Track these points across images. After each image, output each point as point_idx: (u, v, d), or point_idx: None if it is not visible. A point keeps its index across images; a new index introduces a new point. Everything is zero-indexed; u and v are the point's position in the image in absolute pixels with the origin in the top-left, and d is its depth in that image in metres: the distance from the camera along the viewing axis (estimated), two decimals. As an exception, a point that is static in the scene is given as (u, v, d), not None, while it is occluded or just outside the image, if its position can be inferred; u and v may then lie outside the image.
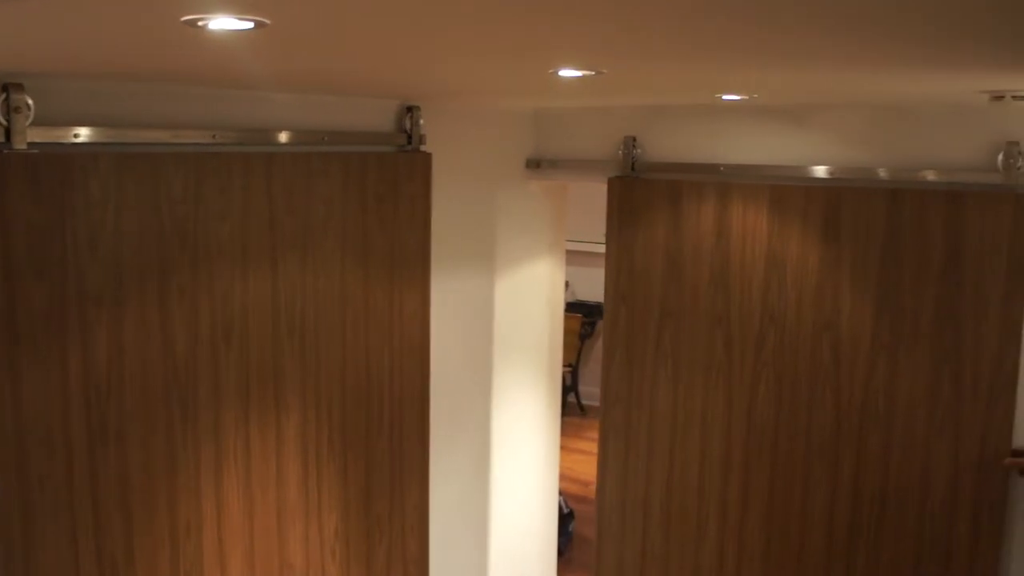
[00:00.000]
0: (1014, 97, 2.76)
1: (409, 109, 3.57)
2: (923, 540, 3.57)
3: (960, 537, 3.49)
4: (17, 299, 2.42)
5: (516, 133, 4.32)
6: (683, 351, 4.02)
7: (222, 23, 1.44)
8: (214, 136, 2.87)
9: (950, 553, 3.52)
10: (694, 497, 4.07)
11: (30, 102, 2.39)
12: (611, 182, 4.10)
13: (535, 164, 4.34)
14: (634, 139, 4.05)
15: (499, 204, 4.24)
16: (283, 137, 3.12)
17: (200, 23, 1.44)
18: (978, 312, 3.36)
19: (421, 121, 3.60)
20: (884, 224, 3.51)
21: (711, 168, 3.88)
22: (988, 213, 3.32)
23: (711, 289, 3.90)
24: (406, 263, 3.59)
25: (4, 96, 2.35)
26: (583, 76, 2.33)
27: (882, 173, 3.52)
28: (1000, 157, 3.30)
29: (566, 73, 2.27)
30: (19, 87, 2.37)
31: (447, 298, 3.96)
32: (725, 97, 3.29)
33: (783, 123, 3.74)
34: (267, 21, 1.44)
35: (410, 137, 3.58)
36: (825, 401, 3.70)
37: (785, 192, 3.68)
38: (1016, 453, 3.38)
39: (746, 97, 3.26)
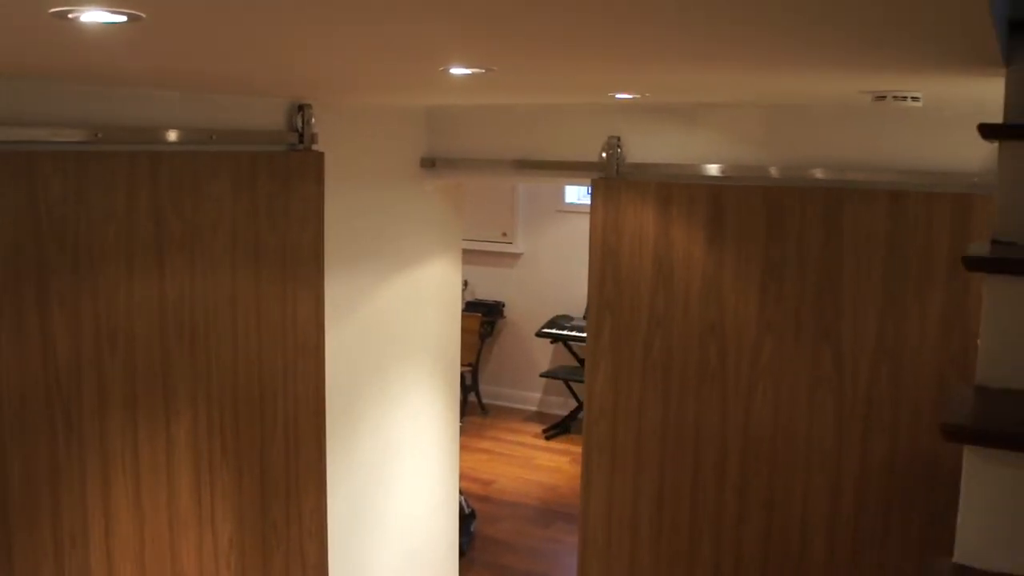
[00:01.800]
0: (895, 97, 2.84)
1: (300, 108, 3.52)
2: (931, 546, 3.45)
3: None
4: None
5: (410, 132, 4.29)
6: (674, 361, 3.86)
7: (93, 16, 1.39)
8: (97, 135, 2.78)
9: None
10: (686, 512, 3.89)
11: None
12: (595, 183, 3.92)
13: (430, 163, 4.32)
14: (618, 139, 3.88)
15: (394, 203, 4.21)
16: (170, 136, 3.04)
17: (71, 15, 1.39)
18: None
19: (313, 120, 3.55)
20: (884, 226, 3.40)
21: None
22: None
23: (704, 296, 3.75)
24: (299, 264, 3.54)
25: None
26: (473, 74, 2.32)
27: (774, 172, 3.58)
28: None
29: (456, 71, 2.26)
30: None
31: (342, 299, 3.91)
32: (618, 96, 3.31)
33: (679, 122, 3.79)
34: (141, 15, 1.40)
35: (302, 136, 3.53)
36: (826, 410, 3.59)
37: (779, 194, 3.55)
38: None
39: (638, 96, 3.29)
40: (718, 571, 3.87)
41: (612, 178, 3.89)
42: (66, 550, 2.80)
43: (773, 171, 3.58)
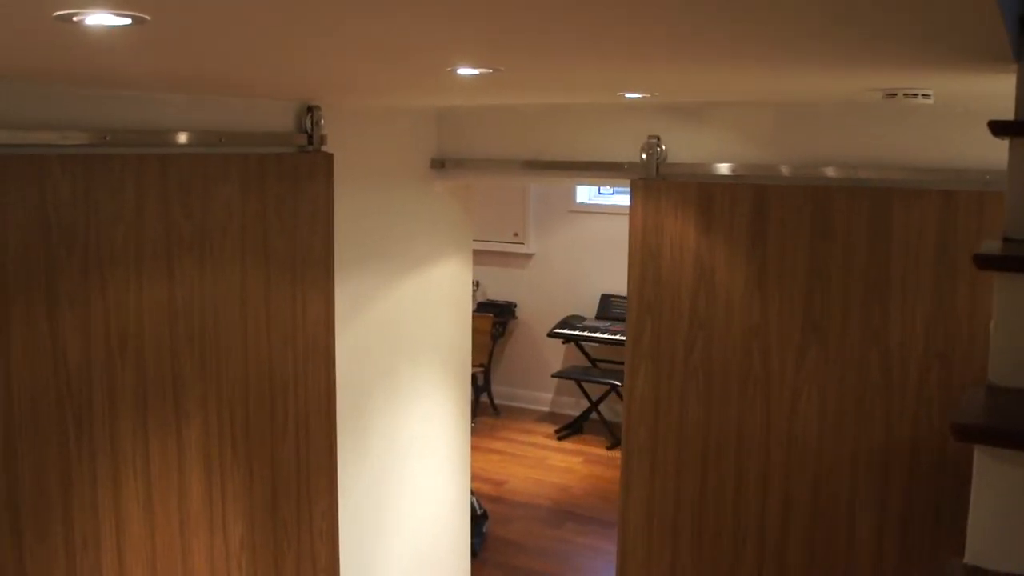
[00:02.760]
0: (905, 95, 2.82)
1: (309, 109, 3.52)
2: None
3: None
4: None
5: (420, 132, 4.29)
6: (716, 365, 3.79)
7: (98, 19, 1.39)
8: (105, 138, 2.78)
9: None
10: (729, 519, 3.83)
11: (-97, 103, 2.29)
12: (634, 184, 3.85)
13: (440, 164, 4.31)
14: (658, 139, 3.82)
15: (404, 204, 4.20)
16: (178, 139, 3.04)
17: (75, 18, 1.39)
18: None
19: (322, 121, 3.55)
20: (935, 227, 3.34)
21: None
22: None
23: (746, 298, 3.69)
24: (309, 266, 3.54)
25: None
26: (481, 74, 2.31)
27: (784, 170, 3.57)
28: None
29: (464, 71, 2.25)
30: None
31: (352, 300, 3.91)
32: (628, 95, 3.30)
33: (686, 120, 3.77)
34: (147, 17, 1.39)
35: (311, 138, 3.53)
36: (875, 413, 3.50)
37: (828, 193, 3.49)
38: None
39: (647, 95, 3.28)
40: None
41: (651, 179, 3.83)
42: (78, 553, 2.81)
43: (784, 170, 3.57)
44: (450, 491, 4.77)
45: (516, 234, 8.94)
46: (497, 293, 9.11)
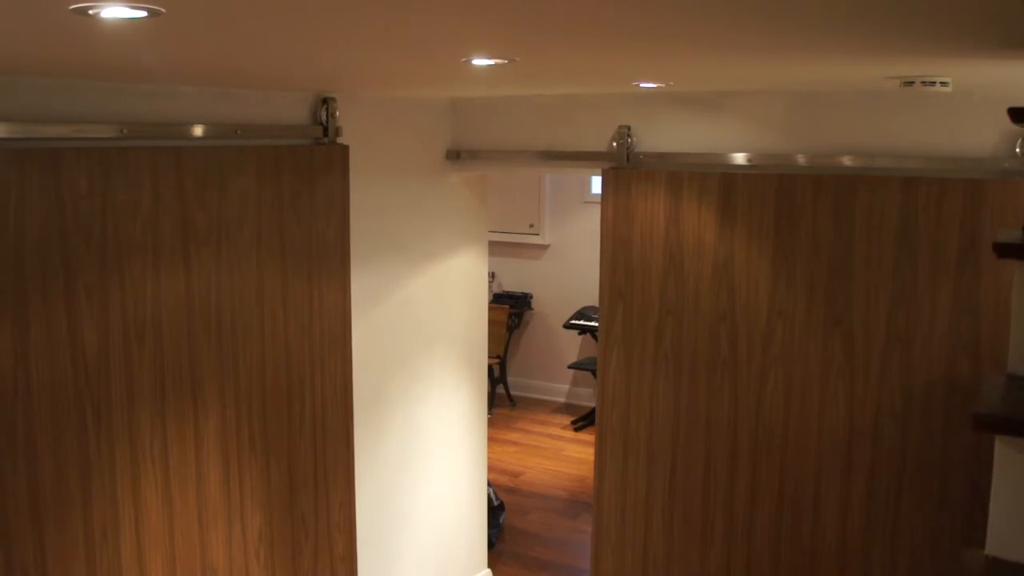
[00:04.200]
0: (923, 83, 2.80)
1: (325, 101, 3.52)
2: (943, 540, 3.44)
3: (983, 530, 3.35)
4: (-87, 302, 2.33)
5: (435, 124, 4.28)
6: (686, 349, 3.85)
7: (114, 11, 1.39)
8: (121, 131, 2.79)
9: (975, 543, 3.32)
10: (698, 501, 3.90)
11: (-78, 97, 2.30)
12: (605, 173, 3.92)
13: (455, 155, 4.31)
14: (628, 128, 3.88)
15: (419, 195, 4.20)
16: (194, 131, 3.05)
17: (91, 11, 1.39)
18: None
19: (337, 113, 3.55)
20: (896, 215, 3.38)
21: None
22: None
23: (715, 284, 3.77)
24: (325, 257, 3.54)
25: None
26: (496, 64, 2.30)
27: (801, 159, 3.55)
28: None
29: (479, 62, 2.25)
30: (-90, 82, 2.28)
31: (368, 291, 3.91)
32: (642, 85, 3.29)
33: (698, 111, 3.76)
34: (162, 10, 1.40)
35: (326, 129, 3.53)
36: (838, 398, 3.57)
37: (792, 181, 3.54)
38: None
39: (662, 85, 3.27)
40: (730, 559, 3.87)
41: (622, 167, 3.89)
42: (97, 544, 2.82)
43: (800, 158, 3.55)
44: (467, 482, 4.77)
45: (531, 225, 8.92)
46: (513, 284, 9.10)
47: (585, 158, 4.02)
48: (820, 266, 3.54)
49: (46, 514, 2.68)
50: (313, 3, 1.39)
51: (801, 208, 3.55)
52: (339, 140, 3.59)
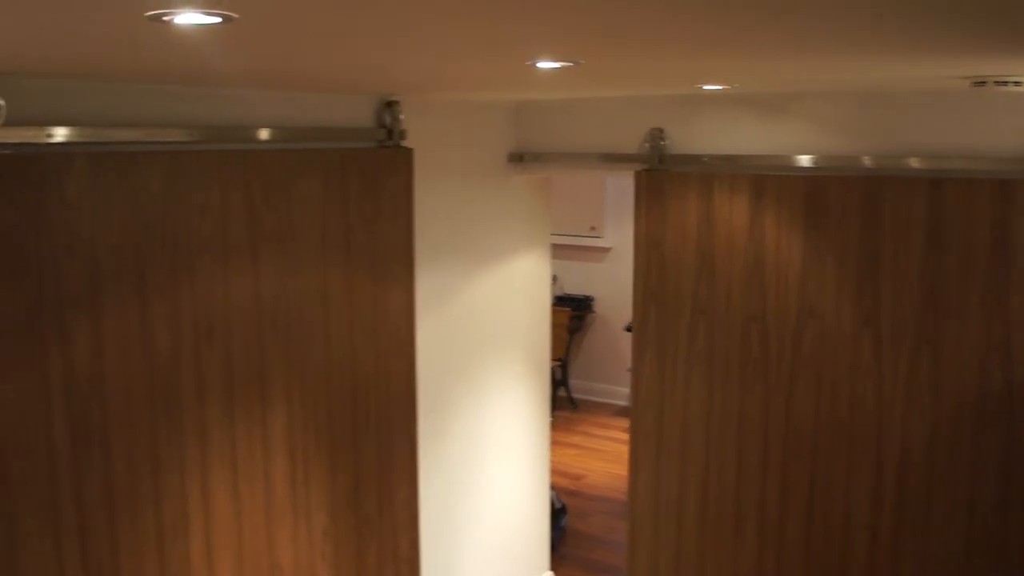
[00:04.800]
0: (996, 83, 2.75)
1: (389, 104, 3.55)
2: (973, 540, 3.44)
3: (1015, 535, 3.35)
4: (-6, 302, 2.40)
5: (498, 126, 4.30)
6: (718, 350, 3.89)
7: (188, 18, 1.42)
8: (191, 134, 2.85)
9: (1003, 552, 3.39)
10: (731, 500, 3.94)
11: (2, 102, 2.36)
12: (638, 175, 3.97)
13: (518, 157, 4.32)
14: (661, 130, 3.93)
15: (482, 198, 4.22)
16: (261, 134, 3.09)
17: (166, 18, 1.42)
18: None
19: (401, 116, 3.58)
20: (924, 215, 3.38)
21: (695, 160, 3.85)
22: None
23: (746, 285, 3.80)
24: (389, 259, 3.57)
25: (-25, 97, 2.32)
26: (561, 67, 2.31)
27: (867, 161, 3.51)
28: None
29: (544, 65, 2.25)
30: (-9, 88, 2.34)
31: (432, 294, 3.94)
32: (706, 87, 3.27)
33: (766, 112, 3.73)
34: (235, 16, 1.42)
35: (391, 132, 3.56)
36: (867, 398, 3.58)
37: (821, 183, 3.56)
38: None
39: (727, 87, 3.24)
40: (761, 558, 3.89)
41: (655, 169, 3.94)
42: (168, 538, 2.88)
43: (867, 160, 3.51)
44: (529, 484, 4.78)
45: (593, 228, 8.91)
46: (574, 287, 9.09)
47: (630, 159, 4.05)
48: (849, 266, 3.55)
49: (120, 509, 2.74)
50: (382, 8, 1.40)
51: (830, 208, 3.56)
52: (403, 143, 3.62)
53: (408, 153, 3.61)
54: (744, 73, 2.67)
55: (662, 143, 3.93)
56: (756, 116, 3.75)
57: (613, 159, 4.09)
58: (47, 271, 2.50)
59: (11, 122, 2.40)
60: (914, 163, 3.41)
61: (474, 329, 4.25)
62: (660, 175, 3.91)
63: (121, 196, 2.66)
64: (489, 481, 4.44)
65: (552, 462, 5.42)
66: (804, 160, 3.62)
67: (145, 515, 2.81)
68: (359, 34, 1.70)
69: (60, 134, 2.51)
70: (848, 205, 3.52)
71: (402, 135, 3.60)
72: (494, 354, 4.40)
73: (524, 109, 4.34)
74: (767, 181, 3.67)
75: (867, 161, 3.50)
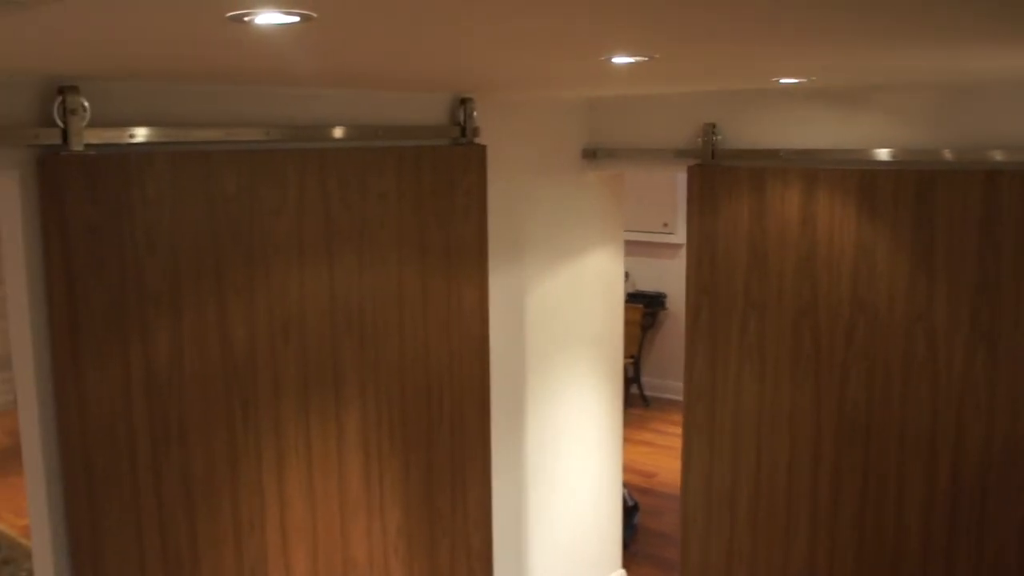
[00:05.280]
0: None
1: (463, 101, 3.56)
2: None
3: None
4: (78, 299, 2.45)
5: (571, 123, 4.29)
6: (769, 344, 3.88)
7: (268, 18, 1.43)
8: (267, 133, 2.88)
9: None
10: (783, 495, 3.93)
11: (86, 104, 2.41)
12: (691, 170, 3.97)
13: (591, 154, 4.30)
14: (714, 125, 3.94)
15: (556, 195, 4.21)
16: (336, 133, 3.12)
17: (246, 18, 1.43)
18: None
19: (475, 113, 3.58)
20: (980, 208, 3.33)
21: (773, 154, 3.80)
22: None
23: (797, 279, 3.76)
24: (463, 257, 3.58)
25: (60, 99, 2.38)
26: (636, 62, 2.29)
27: (948, 154, 3.43)
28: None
29: (619, 60, 2.24)
30: (75, 90, 2.39)
31: (505, 291, 3.94)
32: (782, 81, 3.22)
33: (841, 106, 3.66)
34: (313, 15, 1.43)
35: (464, 130, 3.57)
36: (920, 394, 3.54)
37: (874, 177, 3.53)
38: None
39: (804, 80, 3.19)
40: (814, 554, 3.88)
41: (708, 164, 3.96)
42: (245, 532, 2.92)
43: (948, 154, 3.42)
44: (602, 481, 4.76)
45: (666, 224, 8.84)
46: (647, 284, 9.04)
47: (684, 155, 4.05)
48: (901, 259, 3.53)
49: (198, 502, 2.78)
50: (460, 6, 1.40)
51: (882, 202, 3.53)
52: (476, 140, 3.62)
53: (481, 150, 3.62)
54: (824, 67, 2.63)
55: (715, 138, 3.94)
56: (826, 108, 3.69)
57: (667, 155, 4.07)
58: (129, 268, 2.55)
59: (95, 123, 2.45)
60: (987, 156, 3.32)
61: (547, 327, 4.24)
62: (712, 170, 3.91)
63: (200, 195, 2.71)
64: (562, 479, 4.43)
65: (624, 460, 5.39)
66: (883, 153, 3.55)
67: (223, 509, 2.85)
68: (435, 32, 1.70)
69: (141, 134, 2.56)
70: (900, 198, 3.49)
71: (475, 132, 3.61)
72: (567, 352, 4.39)
73: (598, 105, 4.32)
74: (819, 175, 3.66)
75: (948, 154, 3.42)
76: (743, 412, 3.99)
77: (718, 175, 3.90)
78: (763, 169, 3.78)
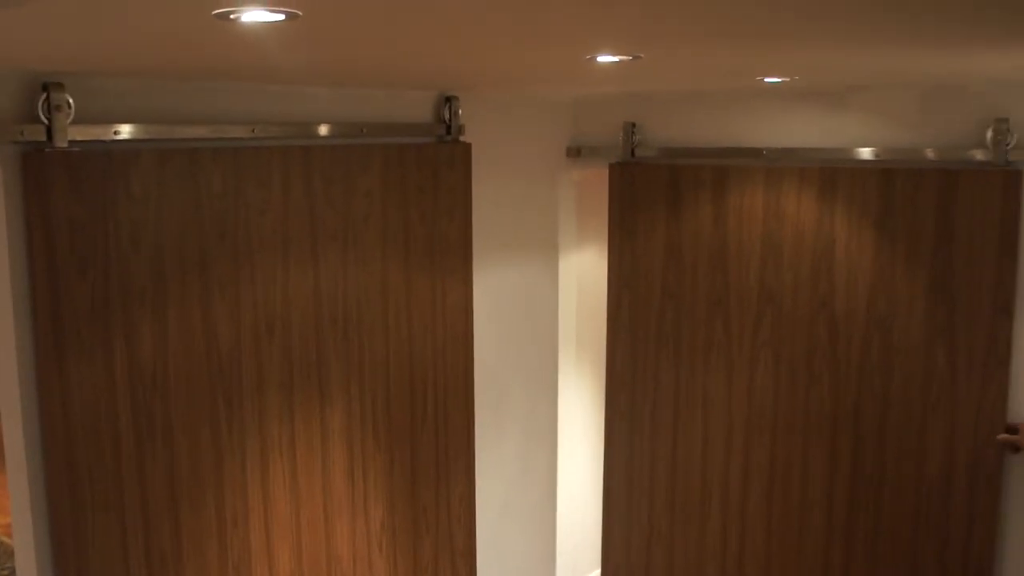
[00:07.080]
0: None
1: (448, 99, 3.56)
2: (920, 516, 3.57)
3: (956, 513, 3.49)
4: (61, 296, 2.45)
5: (556, 121, 4.29)
6: (684, 333, 4.04)
7: (254, 15, 1.44)
8: (253, 130, 2.88)
9: (947, 528, 3.52)
10: (697, 478, 4.10)
11: (71, 101, 2.41)
12: (612, 168, 4.15)
13: (576, 152, 4.31)
14: (633, 125, 4.09)
15: (540, 193, 4.22)
16: (322, 130, 3.12)
17: (232, 16, 1.44)
18: (971, 287, 3.37)
19: (460, 111, 3.58)
20: (877, 202, 3.52)
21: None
22: (977, 189, 3.33)
23: (709, 271, 3.93)
24: (448, 254, 3.58)
25: (45, 95, 2.37)
26: (620, 61, 2.30)
27: (873, 153, 3.45)
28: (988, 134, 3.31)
29: (604, 59, 2.25)
30: (59, 86, 2.39)
31: (490, 288, 3.94)
32: (767, 80, 3.24)
33: (791, 103, 3.69)
34: (298, 13, 1.44)
35: (449, 127, 3.57)
36: (822, 379, 3.71)
37: (782, 173, 3.71)
38: (1009, 429, 3.37)
39: (787, 79, 3.21)
40: (726, 529, 4.05)
41: (627, 162, 4.14)
42: (228, 531, 2.92)
43: (930, 153, 3.45)
44: (590, 481, 4.77)
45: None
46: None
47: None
48: (806, 251, 3.69)
49: (182, 499, 2.78)
50: (443, 4, 1.41)
51: (785, 200, 3.72)
52: (462, 138, 3.62)
53: (466, 148, 3.62)
54: (808, 66, 2.64)
55: (634, 137, 4.12)
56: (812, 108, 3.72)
57: (678, 154, 4.08)
58: (113, 265, 2.55)
59: (79, 120, 2.45)
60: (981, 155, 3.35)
61: (531, 324, 4.25)
62: (631, 168, 4.10)
63: (185, 191, 2.70)
64: (546, 475, 4.44)
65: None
66: (865, 153, 3.58)
67: (207, 506, 2.85)
68: (419, 30, 1.71)
69: (126, 131, 2.55)
70: (804, 192, 3.68)
71: (460, 130, 3.61)
72: (551, 349, 4.39)
73: (583, 103, 4.33)
74: (728, 171, 3.86)
75: (930, 154, 3.45)
76: (660, 398, 4.16)
77: (637, 172, 4.06)
78: (679, 167, 3.96)
